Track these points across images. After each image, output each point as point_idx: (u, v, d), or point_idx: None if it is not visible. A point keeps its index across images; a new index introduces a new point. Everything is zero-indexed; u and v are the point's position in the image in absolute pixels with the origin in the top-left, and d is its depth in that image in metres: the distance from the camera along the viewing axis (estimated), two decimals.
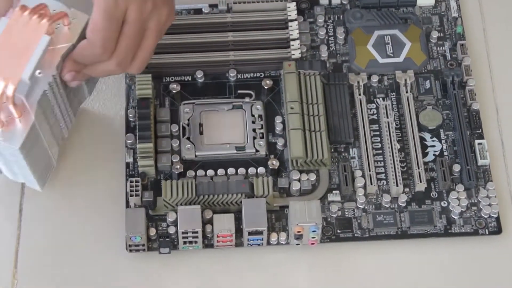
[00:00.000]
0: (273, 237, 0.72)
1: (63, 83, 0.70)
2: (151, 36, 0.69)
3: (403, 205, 0.74)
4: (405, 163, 0.76)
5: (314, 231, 0.71)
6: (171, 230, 0.72)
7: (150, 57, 0.70)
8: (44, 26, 0.67)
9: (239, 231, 0.72)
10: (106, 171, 0.76)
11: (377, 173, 0.75)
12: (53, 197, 0.75)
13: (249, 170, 0.75)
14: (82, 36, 0.69)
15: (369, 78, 0.79)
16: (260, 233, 0.71)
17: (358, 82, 0.79)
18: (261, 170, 0.75)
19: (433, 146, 0.77)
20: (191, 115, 0.77)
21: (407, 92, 0.78)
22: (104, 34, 0.66)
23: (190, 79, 0.79)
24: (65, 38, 0.69)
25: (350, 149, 0.76)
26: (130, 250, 0.72)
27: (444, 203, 0.74)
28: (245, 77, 0.79)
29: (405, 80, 0.78)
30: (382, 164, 0.76)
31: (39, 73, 0.68)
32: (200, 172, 0.75)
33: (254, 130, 0.76)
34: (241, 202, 0.72)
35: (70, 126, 0.74)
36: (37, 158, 0.70)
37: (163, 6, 0.68)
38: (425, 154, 0.76)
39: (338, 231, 0.73)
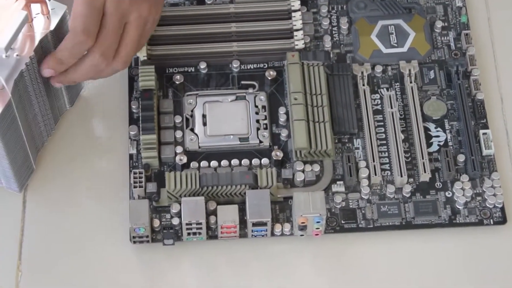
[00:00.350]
0: (277, 228, 0.72)
1: (44, 82, 0.71)
2: (132, 30, 0.70)
3: (408, 195, 0.74)
4: (409, 154, 0.75)
5: (318, 222, 0.71)
6: (175, 221, 0.72)
7: (134, 53, 0.71)
8: (20, 3, 0.69)
9: (243, 222, 0.72)
10: (110, 162, 0.76)
11: (381, 164, 0.75)
12: (57, 189, 0.75)
13: (252, 161, 0.75)
14: (60, 26, 0.70)
15: (373, 68, 0.79)
16: (264, 224, 0.71)
17: (362, 73, 0.78)
18: (265, 161, 0.75)
19: (438, 136, 0.76)
20: (194, 106, 0.77)
21: (411, 82, 0.78)
22: (85, 20, 0.68)
23: (193, 70, 0.79)
24: (43, 25, 0.70)
25: (354, 140, 0.76)
26: (134, 242, 0.72)
27: (449, 194, 0.74)
28: (248, 68, 0.79)
29: (409, 70, 0.78)
30: (386, 154, 0.75)
31: (17, 55, 0.69)
32: (204, 163, 0.75)
33: (257, 121, 0.76)
34: (245, 193, 0.72)
35: (51, 133, 0.75)
36: (14, 146, 0.71)
37: (143, 1, 0.69)
38: (429, 145, 0.76)
39: (342, 222, 0.73)
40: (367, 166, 0.74)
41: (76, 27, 0.68)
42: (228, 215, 0.71)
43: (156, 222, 0.72)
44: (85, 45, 0.69)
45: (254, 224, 0.71)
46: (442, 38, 0.80)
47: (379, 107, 0.77)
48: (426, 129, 0.76)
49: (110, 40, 0.69)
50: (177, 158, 0.74)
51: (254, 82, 0.78)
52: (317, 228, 0.72)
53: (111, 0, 0.68)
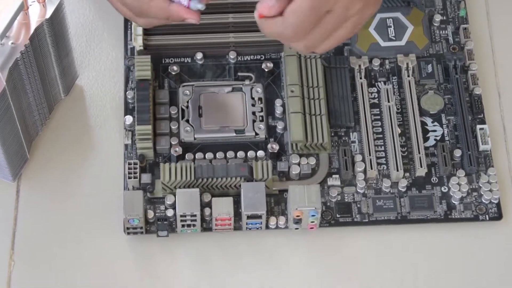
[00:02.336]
0: (272, 221, 0.72)
1: (39, 71, 0.71)
2: (347, 28, 0.65)
3: (403, 190, 0.74)
4: (405, 148, 0.75)
5: (313, 216, 0.71)
6: (169, 213, 0.72)
7: (337, 45, 0.67)
8: None
9: (237, 214, 0.72)
10: (104, 153, 0.75)
11: (378, 158, 0.75)
12: (51, 178, 0.74)
13: (248, 153, 0.74)
14: (56, 14, 0.70)
15: (370, 61, 0.78)
16: (259, 217, 0.71)
17: (359, 66, 0.78)
18: (260, 153, 0.74)
19: (434, 131, 0.76)
20: (190, 97, 0.76)
21: (408, 76, 0.77)
22: (302, 23, 0.63)
23: (189, 60, 0.78)
24: (39, 13, 0.70)
25: (351, 133, 0.76)
26: (128, 233, 0.72)
27: (445, 189, 0.74)
28: (245, 59, 0.78)
29: (407, 64, 0.78)
30: (383, 148, 0.75)
31: (12, 43, 0.69)
32: (199, 155, 0.74)
33: (254, 113, 0.76)
34: (240, 185, 0.72)
35: (45, 122, 0.75)
36: (8, 135, 0.70)
37: (373, 5, 0.65)
38: (426, 139, 0.75)
39: (338, 215, 0.73)
40: (363, 160, 0.74)
41: (289, 23, 0.63)
42: (222, 207, 0.71)
43: (151, 214, 0.72)
44: (289, 40, 0.65)
45: (248, 217, 0.71)
46: (441, 32, 0.80)
47: (376, 100, 0.77)
48: (423, 124, 0.76)
49: (321, 39, 0.65)
50: (172, 149, 0.74)
51: (250, 74, 0.77)
52: (312, 222, 0.71)
53: (341, 6, 0.63)
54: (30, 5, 0.70)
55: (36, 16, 0.70)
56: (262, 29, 0.66)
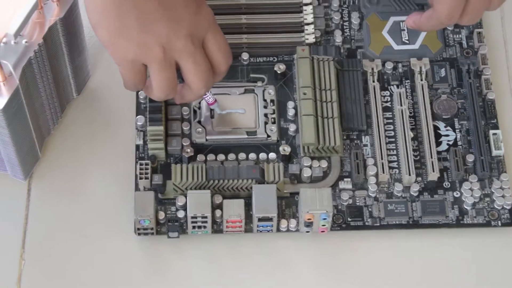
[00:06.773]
0: (283, 224, 0.72)
1: (51, 70, 0.70)
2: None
3: (415, 194, 0.73)
4: (418, 152, 0.75)
5: (324, 219, 0.71)
6: (180, 214, 0.72)
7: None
8: None
9: (248, 217, 0.72)
10: (116, 153, 0.75)
11: (390, 162, 0.74)
12: (62, 177, 0.74)
13: (260, 155, 0.74)
14: (69, 13, 0.70)
15: (383, 64, 0.78)
16: (270, 219, 0.71)
17: (372, 69, 0.78)
18: (272, 155, 0.74)
19: (447, 135, 0.76)
20: (202, 98, 0.76)
21: (421, 80, 0.77)
22: (452, 5, 0.71)
23: None
24: (53, 12, 0.70)
25: (363, 137, 0.75)
26: (139, 234, 0.72)
27: (457, 194, 0.73)
28: (258, 61, 0.78)
29: (420, 67, 0.78)
30: (395, 152, 0.75)
31: (26, 42, 0.69)
32: (211, 156, 0.74)
33: (265, 115, 0.75)
34: (251, 187, 0.71)
35: (57, 121, 0.75)
36: (20, 134, 0.70)
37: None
38: (438, 143, 0.75)
39: (349, 219, 0.73)
40: (375, 164, 0.74)
41: (441, 11, 0.72)
42: (234, 209, 0.71)
43: (161, 215, 0.72)
44: (443, 24, 0.74)
45: (259, 219, 0.71)
46: (454, 36, 0.79)
47: (388, 104, 0.77)
48: (436, 128, 0.76)
49: (476, 14, 0.73)
50: (184, 150, 0.74)
51: (263, 76, 0.77)
52: (323, 225, 0.71)
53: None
54: (45, 4, 0.70)
55: (50, 15, 0.70)
56: (421, 29, 0.75)
